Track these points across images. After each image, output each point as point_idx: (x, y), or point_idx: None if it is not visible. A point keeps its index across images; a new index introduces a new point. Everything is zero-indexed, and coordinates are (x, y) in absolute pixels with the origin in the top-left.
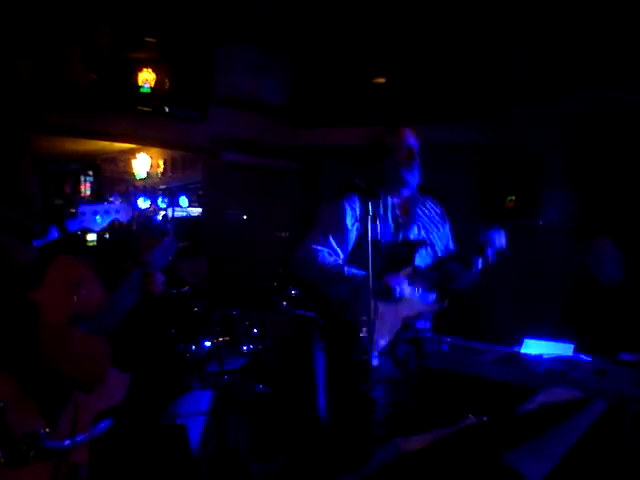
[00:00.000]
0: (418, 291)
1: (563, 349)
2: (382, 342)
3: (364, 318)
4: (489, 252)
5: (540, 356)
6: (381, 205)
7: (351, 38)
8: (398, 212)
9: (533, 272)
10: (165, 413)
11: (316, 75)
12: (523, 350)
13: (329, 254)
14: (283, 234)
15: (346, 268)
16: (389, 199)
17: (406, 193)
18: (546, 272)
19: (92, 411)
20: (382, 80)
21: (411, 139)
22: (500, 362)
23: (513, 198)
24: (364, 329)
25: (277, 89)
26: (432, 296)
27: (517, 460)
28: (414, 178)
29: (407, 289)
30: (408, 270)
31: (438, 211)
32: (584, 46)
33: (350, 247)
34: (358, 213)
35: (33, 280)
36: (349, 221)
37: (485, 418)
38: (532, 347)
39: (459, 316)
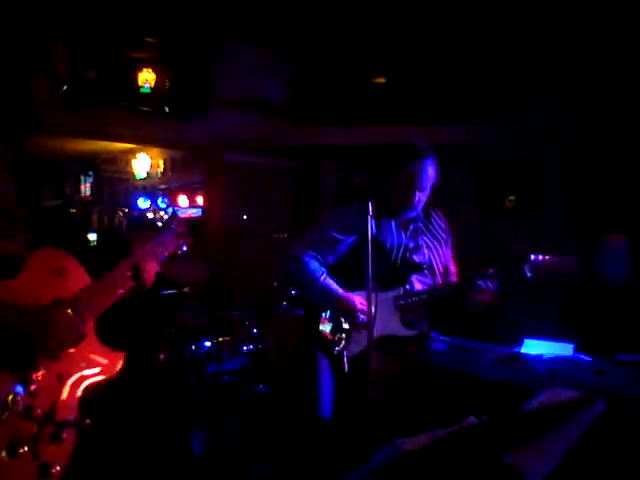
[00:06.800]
0: (404, 319)
1: (563, 349)
2: (354, 347)
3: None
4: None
5: (540, 356)
6: (386, 224)
7: (351, 38)
8: (403, 233)
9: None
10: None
11: (316, 75)
12: (523, 350)
13: (317, 259)
14: (282, 235)
15: (322, 279)
16: (393, 220)
17: (413, 214)
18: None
19: (78, 381)
20: (382, 80)
21: (434, 171)
22: (500, 362)
23: (513, 198)
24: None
25: (277, 89)
26: (422, 325)
27: (517, 460)
28: (424, 203)
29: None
30: (398, 291)
31: (443, 226)
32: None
33: (341, 255)
34: (356, 223)
35: (14, 269)
36: (344, 233)
37: (485, 418)
38: (532, 347)
39: (459, 316)
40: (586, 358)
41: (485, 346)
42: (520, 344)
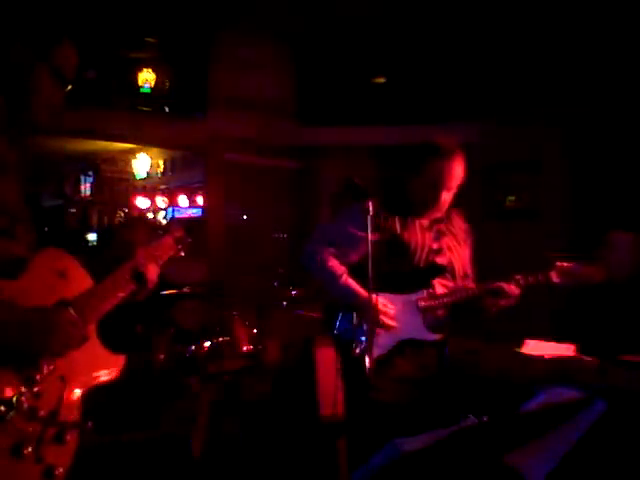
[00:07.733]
0: (424, 321)
1: (563, 349)
2: (375, 350)
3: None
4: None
5: (540, 356)
6: (411, 224)
7: (351, 38)
8: (427, 234)
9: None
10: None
11: (316, 75)
12: (523, 350)
13: (336, 257)
14: (282, 235)
15: (343, 278)
16: (417, 220)
17: (438, 215)
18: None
19: (81, 383)
20: (382, 80)
21: (461, 170)
22: (501, 362)
23: (513, 198)
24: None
25: (277, 89)
26: (444, 329)
27: (518, 460)
28: (448, 202)
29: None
30: (422, 294)
31: (463, 227)
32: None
33: (364, 254)
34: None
35: (17, 270)
36: (363, 231)
37: (485, 418)
38: (532, 347)
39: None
40: (586, 358)
41: (486, 346)
42: (520, 344)
